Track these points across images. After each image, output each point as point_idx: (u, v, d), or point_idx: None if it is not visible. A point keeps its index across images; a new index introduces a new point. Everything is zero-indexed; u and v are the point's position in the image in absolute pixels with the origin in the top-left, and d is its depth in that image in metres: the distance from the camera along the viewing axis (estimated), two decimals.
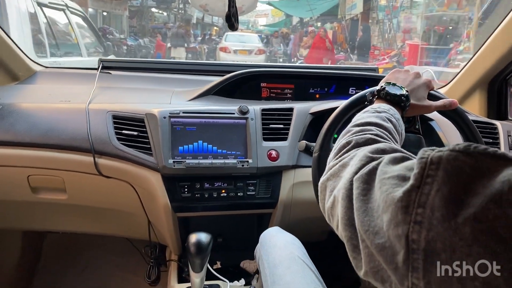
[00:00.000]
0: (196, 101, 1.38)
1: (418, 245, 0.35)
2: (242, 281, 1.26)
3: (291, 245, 1.00)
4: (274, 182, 1.22)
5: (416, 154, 0.40)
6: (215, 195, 1.18)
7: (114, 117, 1.20)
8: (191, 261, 1.04)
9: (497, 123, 1.39)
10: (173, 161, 1.13)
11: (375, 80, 1.47)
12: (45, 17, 2.93)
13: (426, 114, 1.14)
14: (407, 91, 0.79)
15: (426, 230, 0.34)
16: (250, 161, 1.18)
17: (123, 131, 1.17)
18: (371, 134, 0.60)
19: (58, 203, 1.27)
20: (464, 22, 9.81)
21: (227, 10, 0.87)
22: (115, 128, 1.18)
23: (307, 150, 1.21)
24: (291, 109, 1.29)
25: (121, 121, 1.19)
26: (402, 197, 0.37)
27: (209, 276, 1.19)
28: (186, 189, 1.16)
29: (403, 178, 0.40)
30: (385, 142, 0.57)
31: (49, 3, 3.03)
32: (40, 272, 1.75)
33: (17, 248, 1.65)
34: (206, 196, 1.17)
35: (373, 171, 0.46)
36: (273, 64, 3.14)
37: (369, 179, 0.46)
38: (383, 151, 0.51)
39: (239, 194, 1.20)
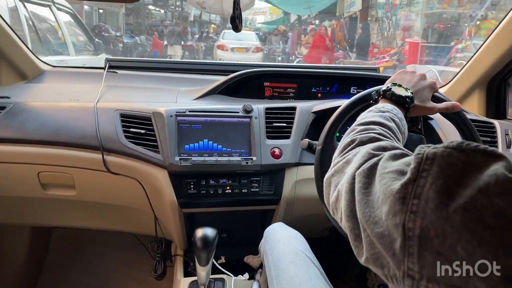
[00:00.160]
0: (201, 100, 1.41)
1: (413, 233, 0.38)
2: (246, 275, 1.29)
3: (294, 240, 1.03)
4: (277, 179, 1.25)
5: None
6: (220, 192, 1.21)
7: (122, 115, 1.23)
8: (197, 255, 1.07)
9: (495, 122, 1.41)
10: (180, 159, 1.16)
11: (376, 80, 1.51)
12: (27, 12, 2.81)
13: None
14: (412, 92, 0.81)
15: (421, 219, 0.38)
16: (254, 158, 1.21)
17: (131, 129, 1.20)
18: (375, 133, 0.63)
19: (67, 199, 1.30)
20: (465, 19, 9.80)
21: (231, 12, 0.89)
22: (123, 126, 1.21)
23: (310, 148, 1.24)
24: (294, 108, 1.32)
25: (129, 120, 1.22)
26: (399, 189, 0.41)
27: (214, 270, 1.22)
28: (192, 186, 1.19)
29: (401, 173, 0.43)
30: (387, 141, 0.60)
31: None
32: (48, 266, 1.78)
33: (25, 243, 1.69)
34: (212, 192, 1.21)
35: (374, 167, 0.49)
36: (276, 64, 3.16)
37: (370, 173, 0.49)
38: (384, 149, 0.55)
39: (243, 190, 1.23)
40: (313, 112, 1.31)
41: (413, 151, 0.48)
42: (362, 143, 0.61)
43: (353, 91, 1.55)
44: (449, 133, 1.28)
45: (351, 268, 1.72)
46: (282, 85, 1.54)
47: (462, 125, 0.97)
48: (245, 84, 1.50)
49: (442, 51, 9.34)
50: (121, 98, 1.37)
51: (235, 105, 1.28)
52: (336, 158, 0.64)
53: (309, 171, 1.25)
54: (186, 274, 1.32)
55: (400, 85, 0.81)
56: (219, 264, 1.28)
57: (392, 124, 0.69)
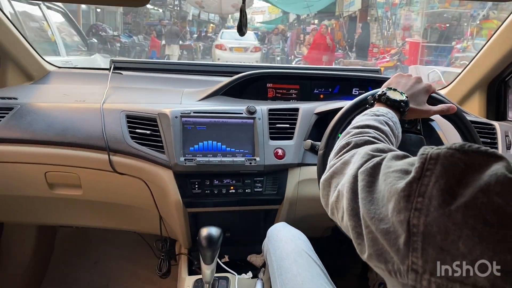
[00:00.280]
0: (206, 101, 1.43)
1: (417, 229, 0.40)
2: (250, 274, 1.31)
3: (297, 239, 1.05)
4: (280, 179, 1.26)
5: (416, 153, 0.45)
6: (224, 192, 1.23)
7: (128, 116, 1.25)
8: (202, 254, 1.09)
9: (495, 123, 1.43)
10: (184, 159, 1.18)
11: (378, 81, 1.52)
12: (13, 8, 2.71)
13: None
14: (406, 96, 0.83)
15: (425, 216, 0.40)
16: (257, 159, 1.23)
17: (137, 130, 1.22)
18: (369, 136, 0.66)
19: (73, 199, 1.32)
20: (466, 19, 9.79)
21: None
22: (129, 127, 1.23)
23: (312, 149, 1.26)
24: (296, 109, 1.34)
25: (135, 120, 1.24)
26: (404, 187, 0.43)
27: (218, 269, 1.24)
28: (196, 186, 1.21)
29: (406, 172, 0.45)
30: (383, 143, 0.63)
31: None
32: (53, 264, 1.80)
33: (32, 241, 1.71)
34: (216, 192, 1.22)
35: (378, 166, 0.51)
36: (279, 66, 3.19)
37: (373, 172, 0.51)
38: (382, 151, 0.57)
39: (247, 190, 1.24)
40: (316, 113, 1.33)
41: (412, 151, 0.50)
42: (357, 145, 0.64)
43: (355, 92, 1.57)
44: (449, 134, 1.30)
45: (352, 268, 1.74)
46: (285, 86, 1.56)
47: (462, 126, 0.98)
48: (248, 85, 1.52)
49: (443, 51, 9.34)
50: (126, 99, 1.39)
51: (239, 106, 1.30)
52: (332, 160, 0.67)
53: (311, 172, 1.26)
54: (191, 273, 1.34)
55: (395, 89, 0.83)
56: (223, 262, 1.30)
57: (386, 128, 0.71)
